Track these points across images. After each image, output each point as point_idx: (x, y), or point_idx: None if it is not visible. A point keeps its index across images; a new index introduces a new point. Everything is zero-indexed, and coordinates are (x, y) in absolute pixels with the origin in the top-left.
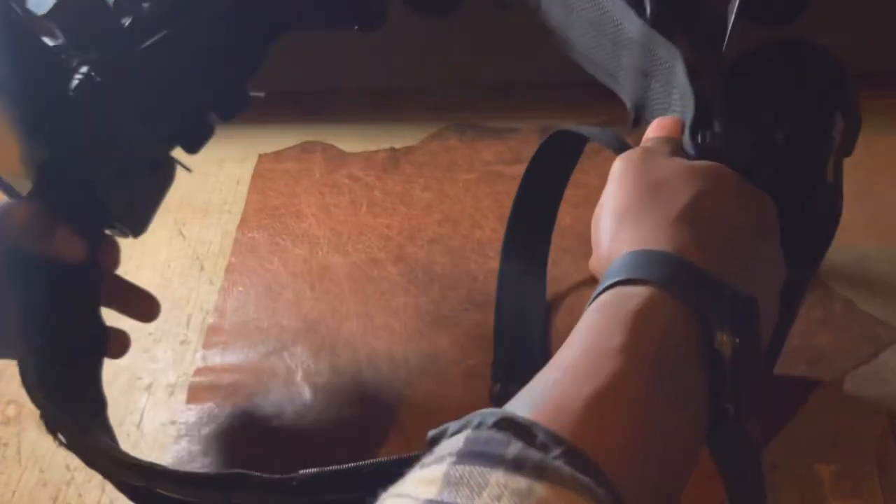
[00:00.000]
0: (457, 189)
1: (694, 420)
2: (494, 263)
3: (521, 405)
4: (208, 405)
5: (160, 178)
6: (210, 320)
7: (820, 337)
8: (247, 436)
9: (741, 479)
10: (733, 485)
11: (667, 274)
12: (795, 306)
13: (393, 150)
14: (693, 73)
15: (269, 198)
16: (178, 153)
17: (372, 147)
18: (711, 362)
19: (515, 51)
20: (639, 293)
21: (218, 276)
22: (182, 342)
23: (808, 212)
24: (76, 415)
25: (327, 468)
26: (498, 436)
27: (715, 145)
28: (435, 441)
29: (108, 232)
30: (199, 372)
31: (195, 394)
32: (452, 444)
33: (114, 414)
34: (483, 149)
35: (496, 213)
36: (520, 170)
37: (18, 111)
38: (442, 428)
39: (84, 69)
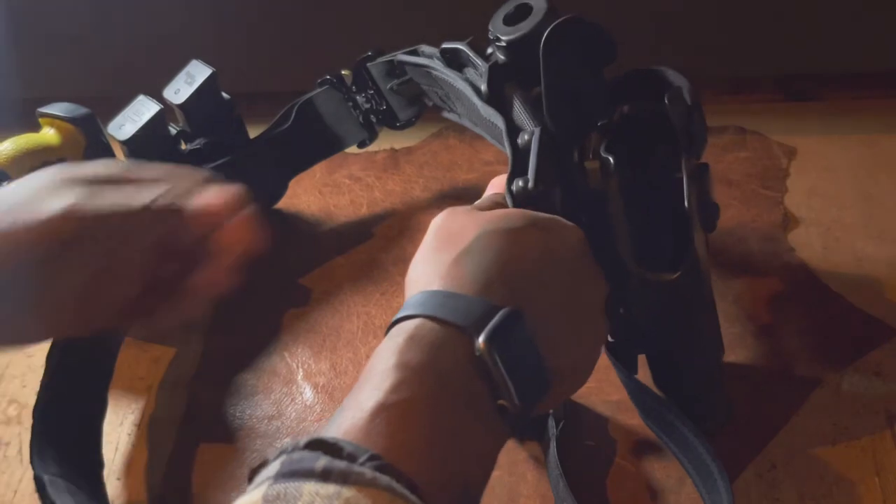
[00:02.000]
0: (457, 189)
1: (481, 419)
2: None
3: (329, 428)
4: (209, 405)
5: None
6: (210, 319)
7: (818, 336)
8: (247, 436)
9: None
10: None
11: (431, 305)
12: (697, 306)
13: (393, 150)
14: (512, 132)
15: None
16: None
17: (372, 147)
18: (481, 369)
19: None
20: (409, 325)
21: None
22: (182, 343)
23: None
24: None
25: None
26: (309, 454)
27: (526, 192)
28: (256, 472)
29: None
30: (199, 371)
31: (196, 392)
32: (270, 470)
33: (115, 413)
34: (483, 149)
35: None
36: None
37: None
38: (262, 460)
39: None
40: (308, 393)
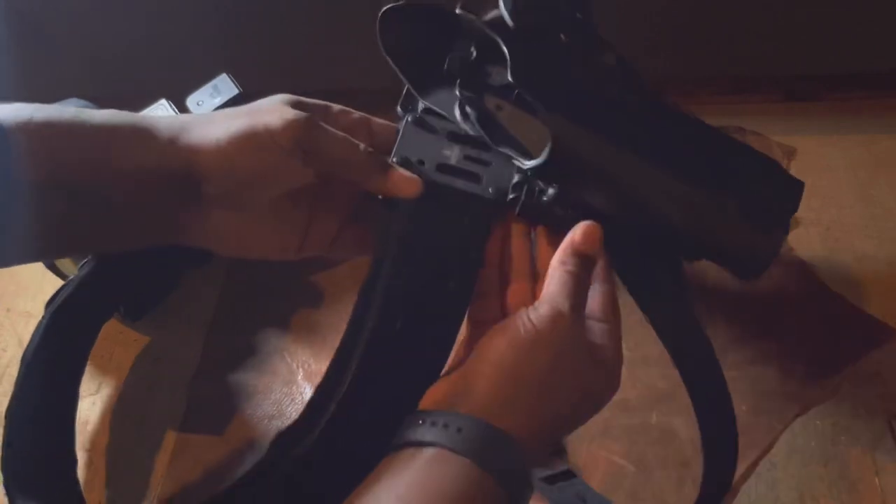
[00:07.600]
0: None
1: None
2: None
3: None
4: (209, 405)
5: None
6: (210, 319)
7: (818, 336)
8: (247, 436)
9: None
10: None
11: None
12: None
13: None
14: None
15: None
16: None
17: None
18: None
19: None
20: (426, 453)
21: (219, 273)
22: (183, 343)
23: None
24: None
25: None
26: None
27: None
28: None
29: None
30: (200, 370)
31: (196, 392)
32: None
33: (115, 413)
34: None
35: None
36: None
37: None
38: None
39: None
40: (308, 393)
